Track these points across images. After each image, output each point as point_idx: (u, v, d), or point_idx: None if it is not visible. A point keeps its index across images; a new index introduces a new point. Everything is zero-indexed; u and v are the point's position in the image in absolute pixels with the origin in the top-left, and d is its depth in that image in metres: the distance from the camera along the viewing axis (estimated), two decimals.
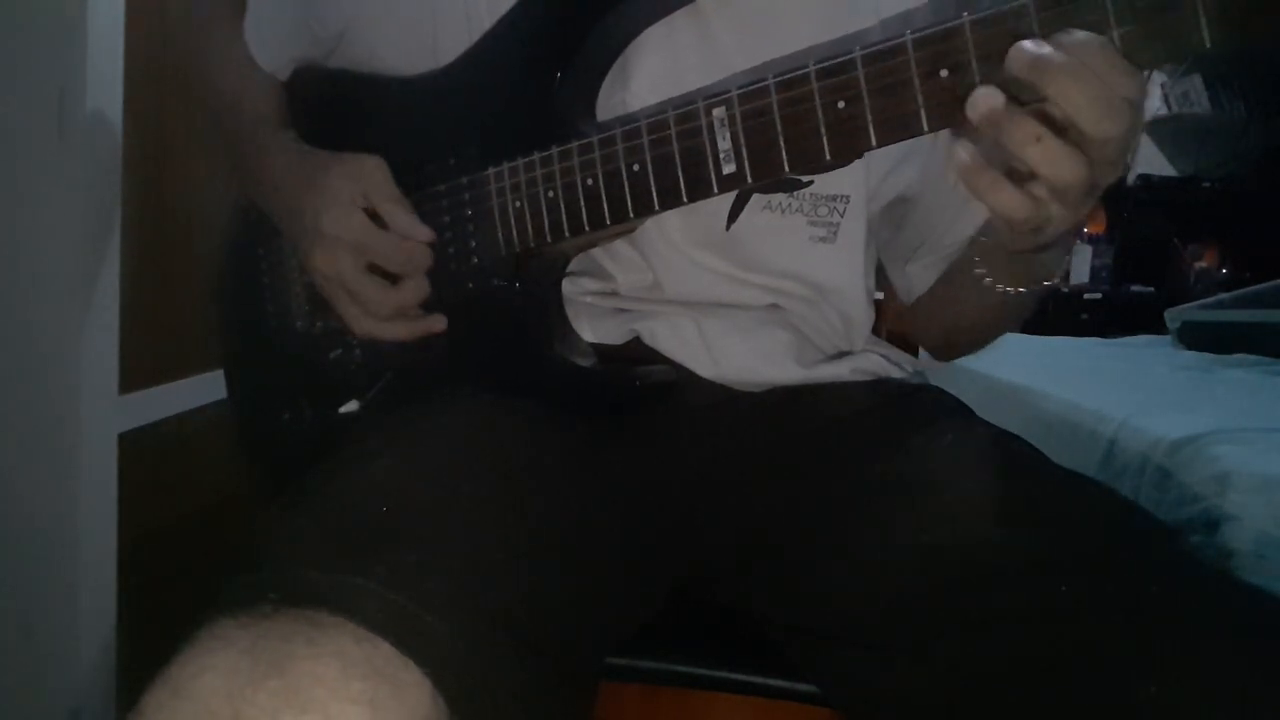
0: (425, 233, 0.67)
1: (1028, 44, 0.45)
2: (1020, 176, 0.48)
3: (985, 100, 0.46)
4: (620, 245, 0.69)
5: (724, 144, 0.57)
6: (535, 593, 0.51)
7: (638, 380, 0.69)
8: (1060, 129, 0.46)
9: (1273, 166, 2.76)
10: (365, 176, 0.67)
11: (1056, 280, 0.62)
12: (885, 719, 0.58)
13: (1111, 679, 0.45)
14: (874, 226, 0.74)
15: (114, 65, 1.24)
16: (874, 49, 0.51)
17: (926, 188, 0.73)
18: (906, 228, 0.77)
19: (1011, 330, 0.74)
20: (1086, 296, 2.87)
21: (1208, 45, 0.43)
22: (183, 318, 1.40)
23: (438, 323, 0.69)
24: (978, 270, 0.63)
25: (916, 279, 0.78)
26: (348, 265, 0.67)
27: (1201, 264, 3.66)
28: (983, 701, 0.50)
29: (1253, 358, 2.12)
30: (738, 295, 0.70)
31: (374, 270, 0.68)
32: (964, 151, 0.48)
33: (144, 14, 1.28)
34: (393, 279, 0.68)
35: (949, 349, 0.82)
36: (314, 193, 0.68)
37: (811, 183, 0.66)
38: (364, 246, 0.66)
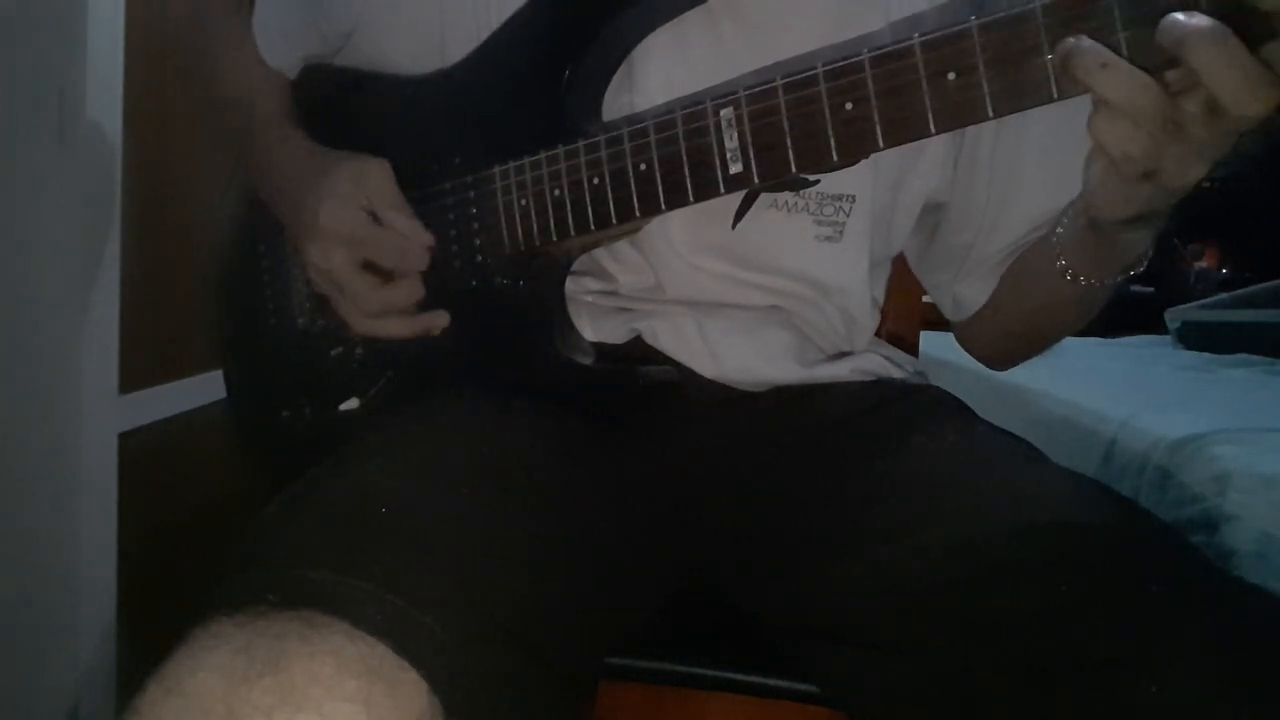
0: (425, 238, 0.67)
1: (1179, 16, 0.43)
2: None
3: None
4: (622, 246, 0.69)
5: (731, 144, 0.57)
6: (533, 593, 0.50)
7: (639, 379, 0.69)
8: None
9: (1273, 166, 2.76)
10: (369, 178, 0.67)
11: (1140, 269, 0.61)
12: (885, 719, 0.58)
13: (1112, 679, 0.45)
14: (903, 235, 0.74)
15: (114, 66, 1.25)
16: (881, 51, 0.51)
17: (958, 192, 0.73)
18: (942, 235, 0.76)
19: (1075, 332, 0.72)
20: None
21: None
22: (183, 318, 1.40)
23: (439, 319, 0.69)
24: (1060, 263, 0.62)
25: (968, 295, 0.77)
26: (340, 260, 0.67)
27: (1201, 264, 3.66)
28: (983, 702, 0.50)
29: (1253, 358, 2.12)
30: (739, 296, 0.70)
31: (369, 269, 0.68)
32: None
33: (144, 15, 1.28)
34: (387, 278, 0.68)
35: (1007, 357, 0.80)
36: (316, 189, 0.68)
37: (819, 181, 0.66)
38: (358, 241, 0.67)
